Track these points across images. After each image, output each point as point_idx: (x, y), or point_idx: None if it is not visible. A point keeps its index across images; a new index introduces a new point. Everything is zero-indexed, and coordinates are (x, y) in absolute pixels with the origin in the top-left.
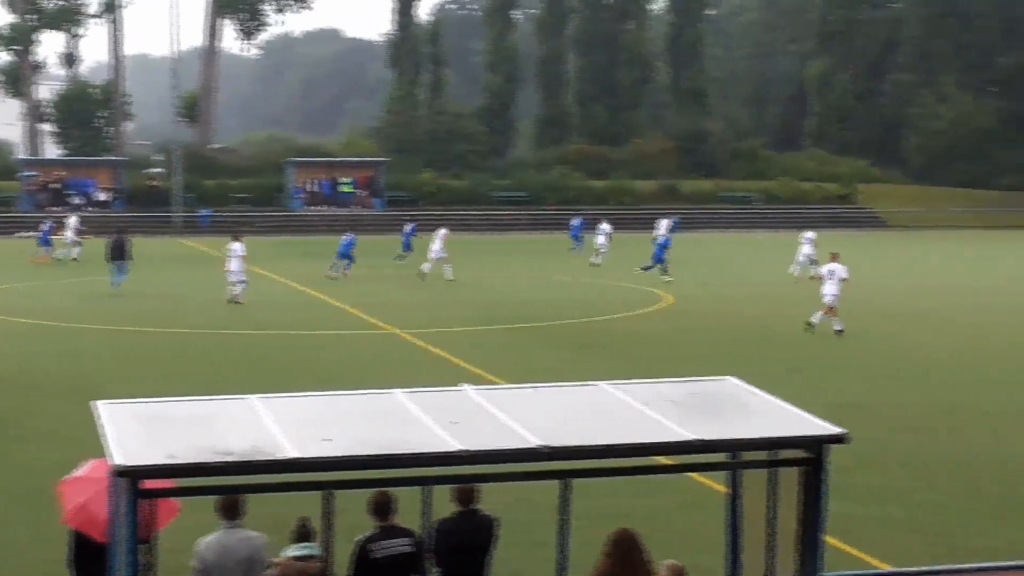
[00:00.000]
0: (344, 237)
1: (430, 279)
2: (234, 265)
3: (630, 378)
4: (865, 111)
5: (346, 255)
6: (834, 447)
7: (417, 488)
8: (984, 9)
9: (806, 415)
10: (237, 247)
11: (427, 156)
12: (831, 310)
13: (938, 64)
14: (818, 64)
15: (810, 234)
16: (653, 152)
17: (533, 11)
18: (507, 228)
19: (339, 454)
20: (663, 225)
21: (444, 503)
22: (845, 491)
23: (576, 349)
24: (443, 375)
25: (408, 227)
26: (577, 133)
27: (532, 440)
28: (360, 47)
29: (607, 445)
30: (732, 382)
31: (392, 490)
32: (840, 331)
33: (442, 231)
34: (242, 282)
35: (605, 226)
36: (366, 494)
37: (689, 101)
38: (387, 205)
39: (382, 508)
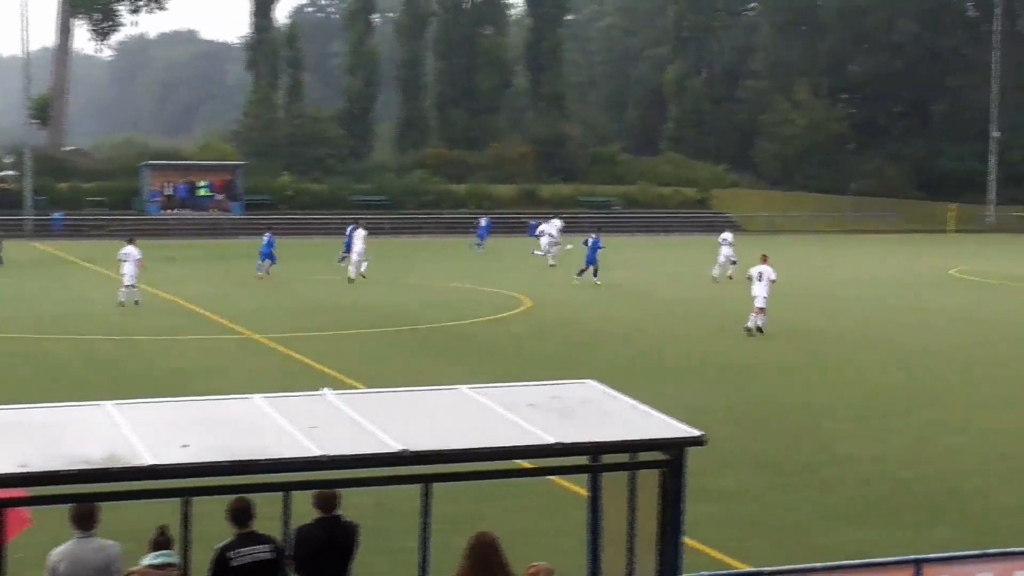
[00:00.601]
0: (264, 237)
1: (283, 284)
2: (128, 269)
3: (491, 382)
4: (721, 116)
5: (268, 255)
6: (692, 449)
7: (277, 494)
8: (835, 18)
9: (665, 418)
10: (132, 250)
11: (286, 160)
12: (761, 311)
13: (791, 71)
14: (674, 69)
15: (728, 236)
16: (512, 156)
17: (392, 15)
18: (368, 232)
19: (197, 460)
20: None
21: (305, 509)
22: (703, 493)
23: (438, 353)
24: (304, 380)
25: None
26: (436, 137)
27: (393, 444)
28: (217, 49)
29: (468, 449)
30: (592, 385)
31: (251, 496)
32: (760, 330)
33: (361, 232)
34: (131, 286)
35: (556, 222)
36: (225, 501)
37: (548, 105)
38: (245, 209)
39: (241, 515)
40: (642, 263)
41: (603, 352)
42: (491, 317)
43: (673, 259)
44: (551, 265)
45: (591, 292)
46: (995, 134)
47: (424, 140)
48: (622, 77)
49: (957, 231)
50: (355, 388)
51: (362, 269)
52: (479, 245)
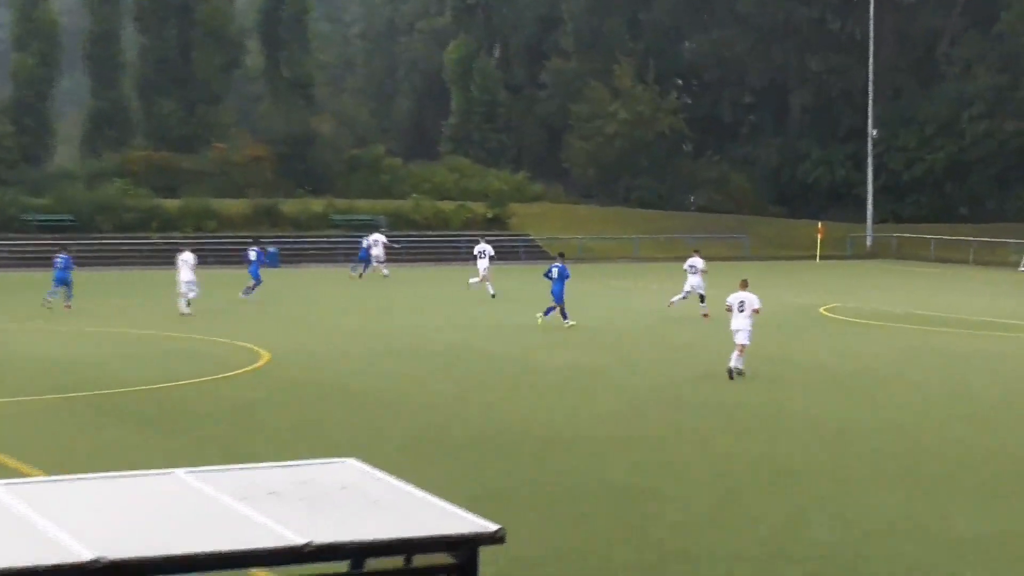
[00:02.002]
0: (57, 259)
1: None
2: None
3: (218, 462)
4: (520, 108)
5: (64, 280)
6: (486, 548)
7: None
8: None
9: (450, 507)
10: (189, 257)
11: None
12: (743, 348)
13: (610, 49)
14: (457, 46)
15: (698, 262)
16: (242, 161)
17: None
18: (44, 262)
19: None
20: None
21: None
22: None
23: (145, 425)
24: None
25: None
26: (141, 135)
27: (82, 552)
28: None
29: (186, 555)
30: (352, 465)
31: None
32: (741, 372)
33: (190, 257)
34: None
35: (485, 248)
36: None
37: (290, 93)
38: None
39: None
40: (422, 301)
41: (368, 420)
42: (217, 376)
43: (461, 296)
44: (492, 296)
45: (350, 341)
46: (872, 132)
47: (124, 139)
48: (388, 56)
49: (825, 257)
50: (29, 476)
51: (186, 302)
52: (249, 289)
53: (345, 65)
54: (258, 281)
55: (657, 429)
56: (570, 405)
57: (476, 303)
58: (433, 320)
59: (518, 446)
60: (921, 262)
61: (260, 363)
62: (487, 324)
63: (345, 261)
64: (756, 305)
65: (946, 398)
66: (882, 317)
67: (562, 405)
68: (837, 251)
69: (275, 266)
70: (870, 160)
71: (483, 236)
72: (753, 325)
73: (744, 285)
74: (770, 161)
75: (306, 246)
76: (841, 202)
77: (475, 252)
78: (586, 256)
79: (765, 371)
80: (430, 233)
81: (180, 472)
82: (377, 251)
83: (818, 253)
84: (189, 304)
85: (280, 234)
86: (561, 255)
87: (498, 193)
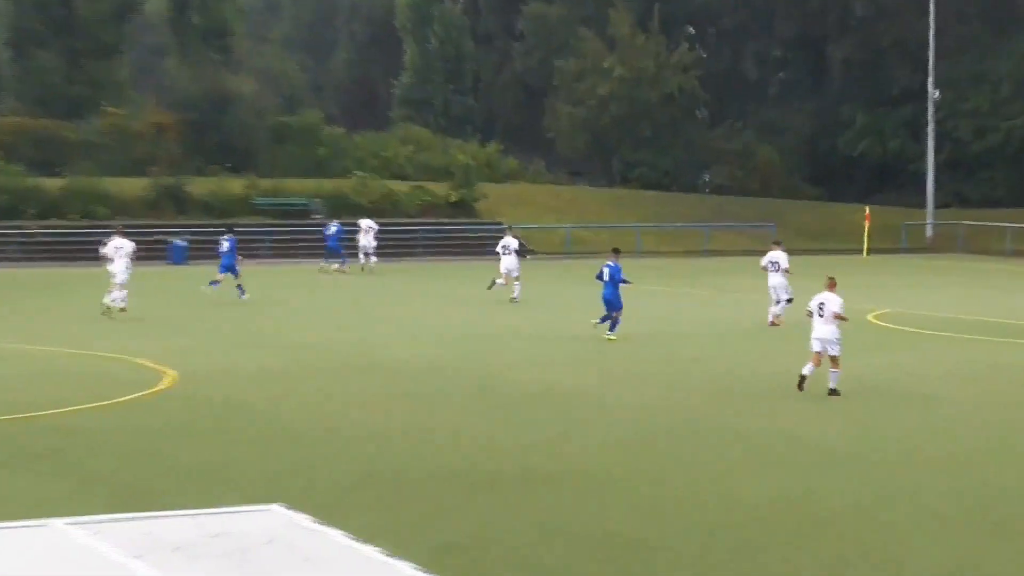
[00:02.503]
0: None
1: None
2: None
3: (110, 510)
4: (492, 64)
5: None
6: None
7: None
8: None
9: (401, 564)
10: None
11: None
12: (834, 360)
13: None
14: None
15: (779, 256)
16: (142, 130)
17: None
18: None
19: None
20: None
21: None
22: None
23: (20, 461)
24: None
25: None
26: (11, 97)
27: None
28: None
29: None
30: (279, 513)
31: None
32: (835, 392)
33: (127, 245)
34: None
35: (509, 243)
36: None
37: (201, 46)
38: None
39: None
40: (367, 307)
41: (300, 455)
42: (111, 401)
43: (417, 301)
44: (513, 300)
45: (280, 357)
46: (934, 93)
47: None
48: None
49: (875, 250)
50: None
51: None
52: (214, 283)
53: (269, 9)
54: (234, 275)
55: (659, 463)
56: (554, 434)
57: (435, 310)
58: (383, 330)
59: (489, 485)
60: (994, 256)
61: (165, 384)
62: (452, 335)
63: (273, 256)
64: (836, 308)
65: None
66: (945, 326)
67: (544, 434)
68: (889, 243)
69: (181, 262)
70: (931, 129)
71: (509, 228)
72: (839, 331)
73: (831, 285)
74: (804, 130)
75: (221, 237)
76: (894, 181)
77: (498, 248)
78: (575, 250)
79: (796, 392)
80: (379, 220)
81: (61, 522)
82: (367, 240)
83: (865, 246)
84: (119, 307)
85: (189, 222)
86: (615, 251)
87: (464, 170)
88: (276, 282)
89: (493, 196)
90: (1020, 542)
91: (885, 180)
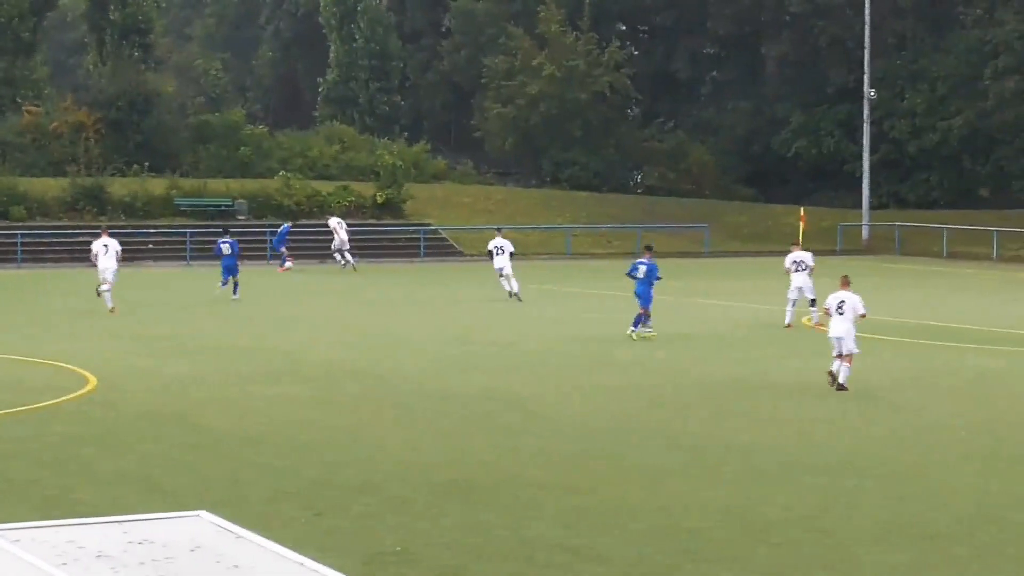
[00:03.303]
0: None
1: None
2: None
3: (33, 517)
4: (419, 62)
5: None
6: None
7: None
8: None
9: (331, 573)
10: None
11: None
12: (847, 358)
13: None
14: None
15: (808, 258)
16: (60, 129)
17: None
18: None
19: None
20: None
21: None
22: None
23: None
24: None
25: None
26: None
27: None
28: None
29: None
30: (205, 520)
31: None
32: (843, 387)
33: (114, 243)
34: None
35: (504, 244)
36: None
37: (120, 44)
38: None
39: None
40: (296, 310)
41: (226, 462)
42: (32, 406)
43: (342, 303)
44: (510, 294)
45: (205, 361)
46: (870, 93)
47: None
48: None
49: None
50: None
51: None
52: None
53: (190, 6)
54: (231, 275)
55: (593, 471)
56: (490, 442)
57: (363, 312)
58: (310, 334)
59: (424, 493)
60: (931, 258)
61: (87, 389)
62: (382, 340)
63: (196, 257)
64: (861, 310)
65: (968, 431)
66: (884, 330)
67: (479, 442)
68: (825, 245)
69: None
70: (867, 128)
71: (499, 229)
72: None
73: (845, 283)
74: (738, 129)
75: (143, 238)
76: (830, 182)
77: (490, 247)
78: (522, 252)
79: (732, 398)
80: (305, 223)
81: None
82: (340, 238)
83: (800, 247)
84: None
85: (108, 224)
86: (648, 248)
87: (391, 170)
88: (198, 286)
89: (421, 197)
90: (963, 548)
91: (821, 180)
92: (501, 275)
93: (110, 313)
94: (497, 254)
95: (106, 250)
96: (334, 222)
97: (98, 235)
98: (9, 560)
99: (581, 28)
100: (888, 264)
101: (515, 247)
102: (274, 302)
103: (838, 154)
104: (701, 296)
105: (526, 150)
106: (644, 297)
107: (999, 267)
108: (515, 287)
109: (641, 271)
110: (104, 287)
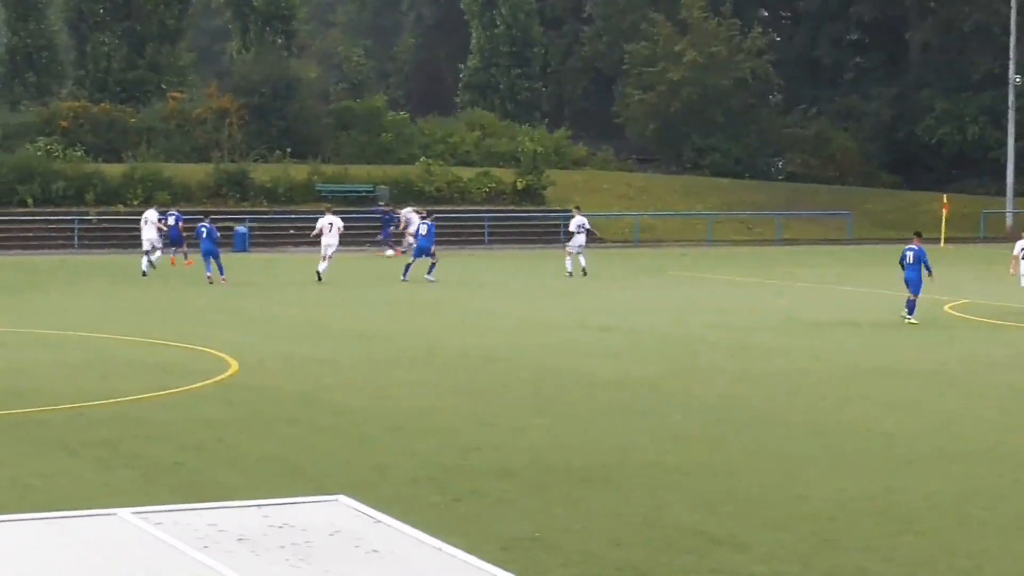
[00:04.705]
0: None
1: None
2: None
3: (172, 501)
4: (560, 48)
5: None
6: None
7: None
8: None
9: (469, 558)
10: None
11: None
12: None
13: None
14: None
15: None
16: (204, 116)
17: None
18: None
19: None
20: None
21: None
22: None
23: (83, 451)
24: None
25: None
26: (72, 81)
27: None
28: None
29: None
30: (344, 504)
31: None
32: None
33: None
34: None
35: (583, 222)
36: None
37: (264, 30)
38: None
39: None
40: (435, 295)
41: (365, 446)
42: (173, 391)
43: (484, 288)
44: (569, 274)
45: (342, 346)
46: (1015, 78)
47: (49, 86)
48: None
49: (952, 239)
50: None
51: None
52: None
53: None
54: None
55: (729, 457)
56: (627, 427)
57: (499, 298)
58: (448, 319)
59: (561, 479)
60: None
61: (228, 374)
62: (519, 325)
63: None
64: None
65: None
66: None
67: (616, 427)
68: (967, 232)
69: (243, 250)
70: (1011, 114)
71: (577, 208)
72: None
73: (917, 238)
74: (881, 116)
75: (285, 224)
76: (974, 169)
77: (572, 228)
78: (645, 239)
79: (869, 385)
80: (445, 207)
81: (125, 512)
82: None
83: (943, 235)
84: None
85: (252, 209)
86: (918, 235)
87: (531, 157)
88: (334, 272)
89: (561, 183)
90: None
91: (964, 168)
92: (578, 253)
93: (318, 282)
94: (578, 232)
95: (331, 228)
96: (411, 214)
97: (323, 214)
98: (151, 543)
99: (723, 14)
100: None
101: (655, 233)
102: (409, 288)
103: (982, 141)
104: (844, 283)
105: (667, 137)
106: (913, 283)
107: None
108: (570, 267)
109: (910, 257)
110: (323, 265)
